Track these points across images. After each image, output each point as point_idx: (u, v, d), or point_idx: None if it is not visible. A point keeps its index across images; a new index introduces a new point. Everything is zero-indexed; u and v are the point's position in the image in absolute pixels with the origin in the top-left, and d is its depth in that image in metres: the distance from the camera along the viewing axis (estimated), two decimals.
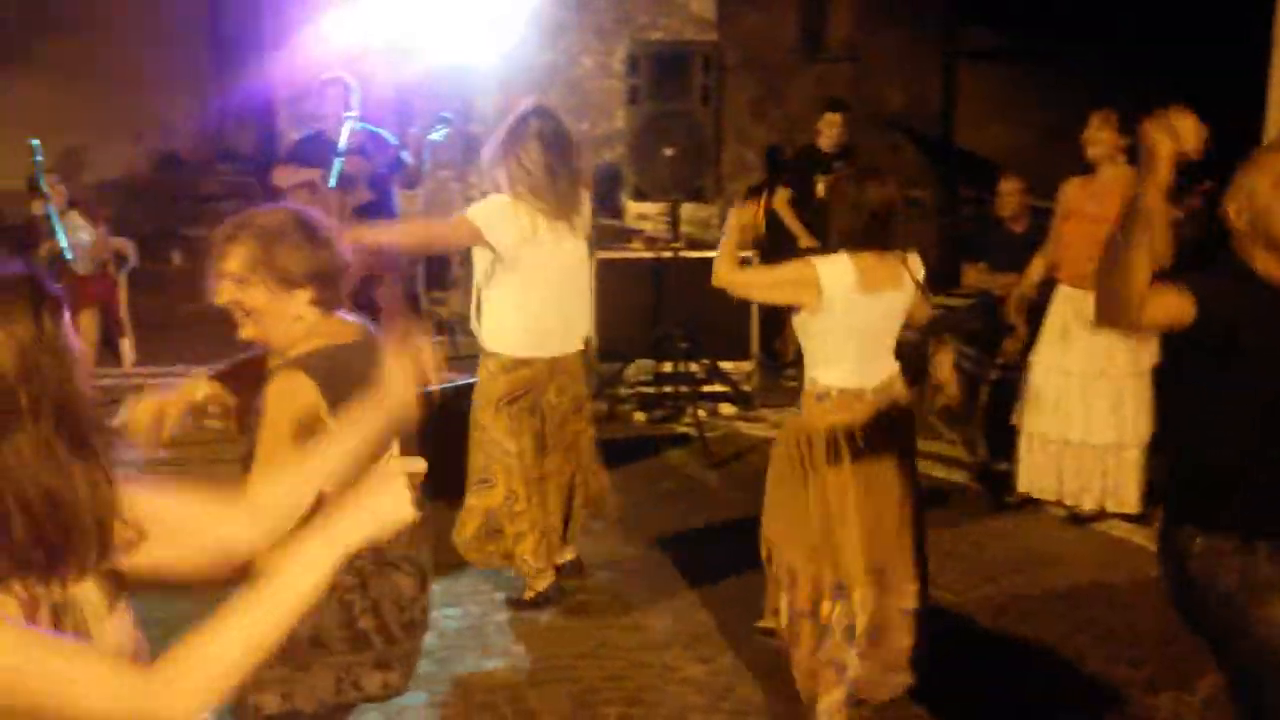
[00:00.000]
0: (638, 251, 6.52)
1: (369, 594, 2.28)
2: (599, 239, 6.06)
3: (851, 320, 3.16)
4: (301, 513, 1.71)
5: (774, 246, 6.21)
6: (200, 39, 9.96)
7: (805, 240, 6.42)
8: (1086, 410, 4.72)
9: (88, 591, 1.37)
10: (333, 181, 5.82)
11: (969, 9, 8.43)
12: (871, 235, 3.15)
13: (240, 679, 1.34)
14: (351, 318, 2.35)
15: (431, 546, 2.51)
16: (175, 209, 9.79)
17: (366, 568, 2.27)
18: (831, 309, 3.13)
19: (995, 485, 5.15)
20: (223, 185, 9.73)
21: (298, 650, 2.21)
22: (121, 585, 1.43)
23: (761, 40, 8.63)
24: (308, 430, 2.11)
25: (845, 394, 3.18)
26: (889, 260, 3.19)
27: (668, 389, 6.23)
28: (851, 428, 3.15)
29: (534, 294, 3.85)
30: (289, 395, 2.18)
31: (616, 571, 4.37)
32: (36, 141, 6.26)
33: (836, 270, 3.14)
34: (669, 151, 5.81)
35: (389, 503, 1.46)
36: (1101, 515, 4.81)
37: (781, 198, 6.70)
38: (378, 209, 6.11)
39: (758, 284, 3.61)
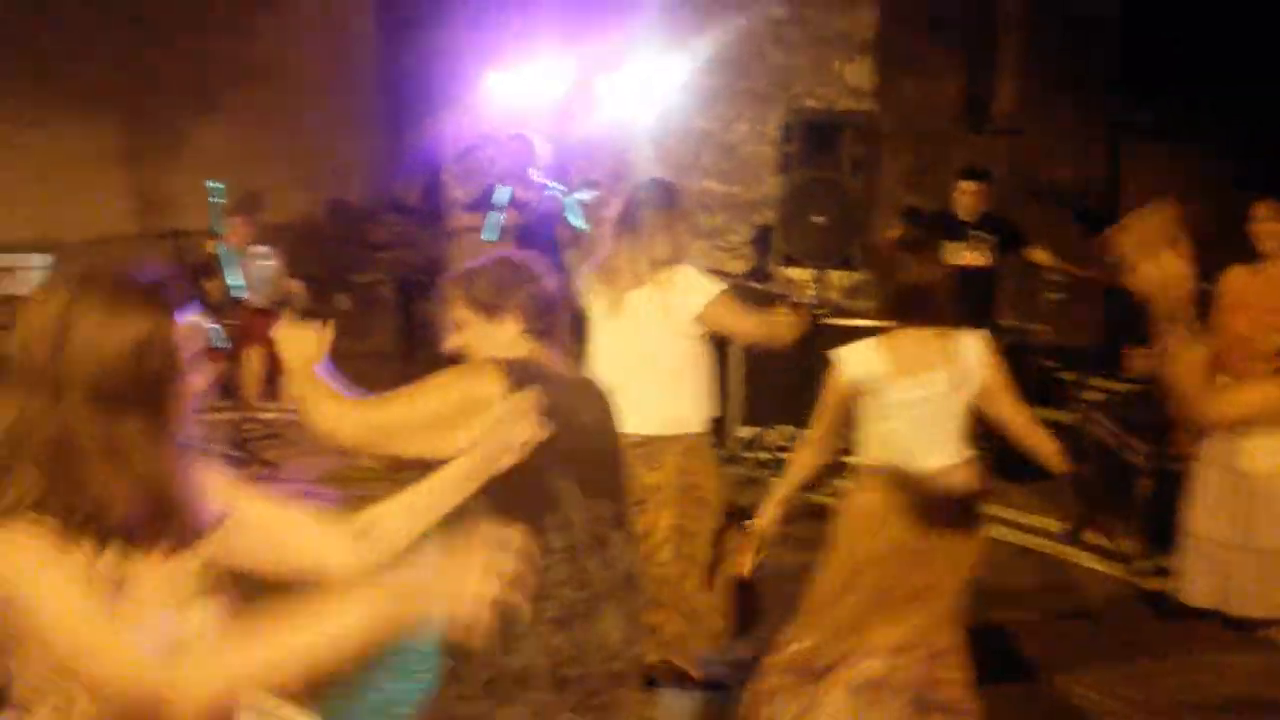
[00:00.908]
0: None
1: (576, 638, 2.28)
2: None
3: (889, 402, 3.05)
4: (399, 551, 1.77)
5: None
6: (375, 91, 10.48)
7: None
8: (1258, 512, 4.43)
9: (164, 577, 1.47)
10: (491, 234, 6.02)
11: (1138, 84, 8.19)
12: (911, 310, 3.04)
13: (244, 694, 1.44)
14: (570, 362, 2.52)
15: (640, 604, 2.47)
16: (344, 254, 10.27)
17: (577, 609, 2.28)
18: (866, 394, 3.06)
19: (1153, 589, 4.87)
20: (390, 233, 10.16)
21: (503, 684, 2.22)
22: (215, 584, 1.55)
23: (921, 110, 8.56)
24: (466, 415, 2.19)
25: (892, 474, 3.04)
26: (934, 338, 3.06)
27: None
28: (897, 510, 3.01)
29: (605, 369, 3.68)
30: (473, 373, 2.31)
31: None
32: (215, 184, 6.65)
33: (859, 358, 3.07)
34: (819, 219, 5.81)
35: (458, 589, 1.46)
36: (1267, 624, 4.50)
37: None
38: None
39: (818, 425, 3.29)
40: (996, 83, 8.97)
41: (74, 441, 1.42)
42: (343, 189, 10.52)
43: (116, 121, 9.06)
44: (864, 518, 3.08)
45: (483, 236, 6.07)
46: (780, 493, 3.24)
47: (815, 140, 5.89)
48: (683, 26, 7.78)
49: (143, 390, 1.47)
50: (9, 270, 6.29)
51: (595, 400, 2.46)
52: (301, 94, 9.97)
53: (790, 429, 6.21)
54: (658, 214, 3.62)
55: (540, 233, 6.37)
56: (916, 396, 3.05)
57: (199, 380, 1.56)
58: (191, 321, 1.56)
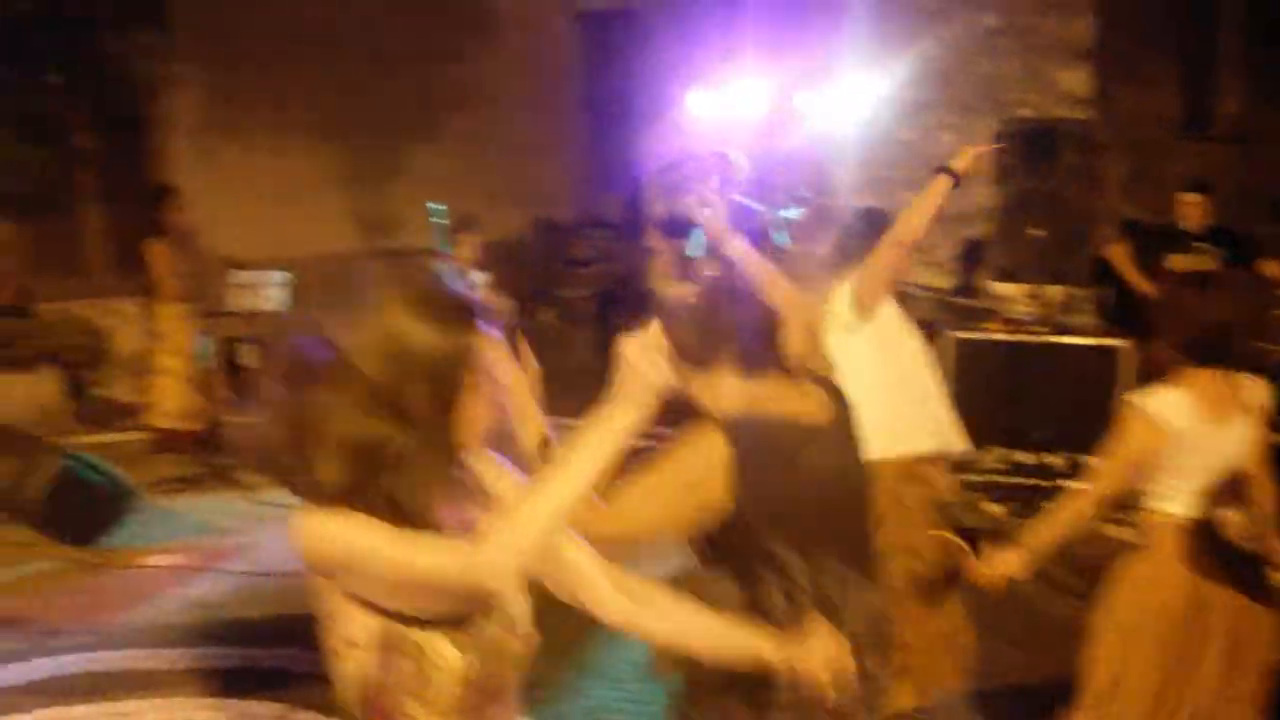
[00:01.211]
0: (996, 333, 6.34)
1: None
2: (956, 318, 5.97)
3: (1200, 451, 2.80)
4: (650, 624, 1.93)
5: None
6: (579, 112, 10.82)
7: (1142, 285, 6.18)
8: None
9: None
10: (694, 250, 6.11)
11: None
12: (1213, 352, 2.80)
13: (545, 539, 1.61)
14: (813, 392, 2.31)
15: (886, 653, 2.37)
16: (549, 271, 10.64)
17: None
18: (1181, 443, 2.79)
19: None
20: (593, 249, 10.46)
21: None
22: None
23: (1140, 118, 8.18)
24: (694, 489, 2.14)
25: (1195, 530, 2.80)
26: (1231, 382, 2.82)
27: (1024, 480, 5.98)
28: (1204, 571, 2.79)
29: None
30: (696, 443, 2.17)
31: None
32: (436, 205, 6.98)
33: (1168, 404, 2.80)
34: (1036, 232, 5.64)
35: (650, 376, 1.66)
36: None
37: (1120, 251, 6.42)
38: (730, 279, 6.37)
39: (1107, 478, 2.97)
40: (1218, 90, 8.50)
41: (377, 445, 1.58)
42: (548, 207, 10.89)
43: (344, 148, 9.68)
44: (1158, 579, 2.86)
45: (686, 253, 6.16)
46: (1042, 539, 2.94)
47: (1031, 150, 5.72)
48: (888, 38, 7.70)
49: (445, 400, 1.63)
50: (252, 287, 6.79)
51: (827, 445, 2.26)
52: (511, 117, 10.39)
53: (1001, 451, 6.04)
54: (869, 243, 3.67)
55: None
56: (1219, 446, 2.83)
57: (493, 392, 1.70)
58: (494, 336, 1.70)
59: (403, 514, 1.59)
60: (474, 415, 1.68)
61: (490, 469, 1.81)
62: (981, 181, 7.53)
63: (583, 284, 10.11)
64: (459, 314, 1.66)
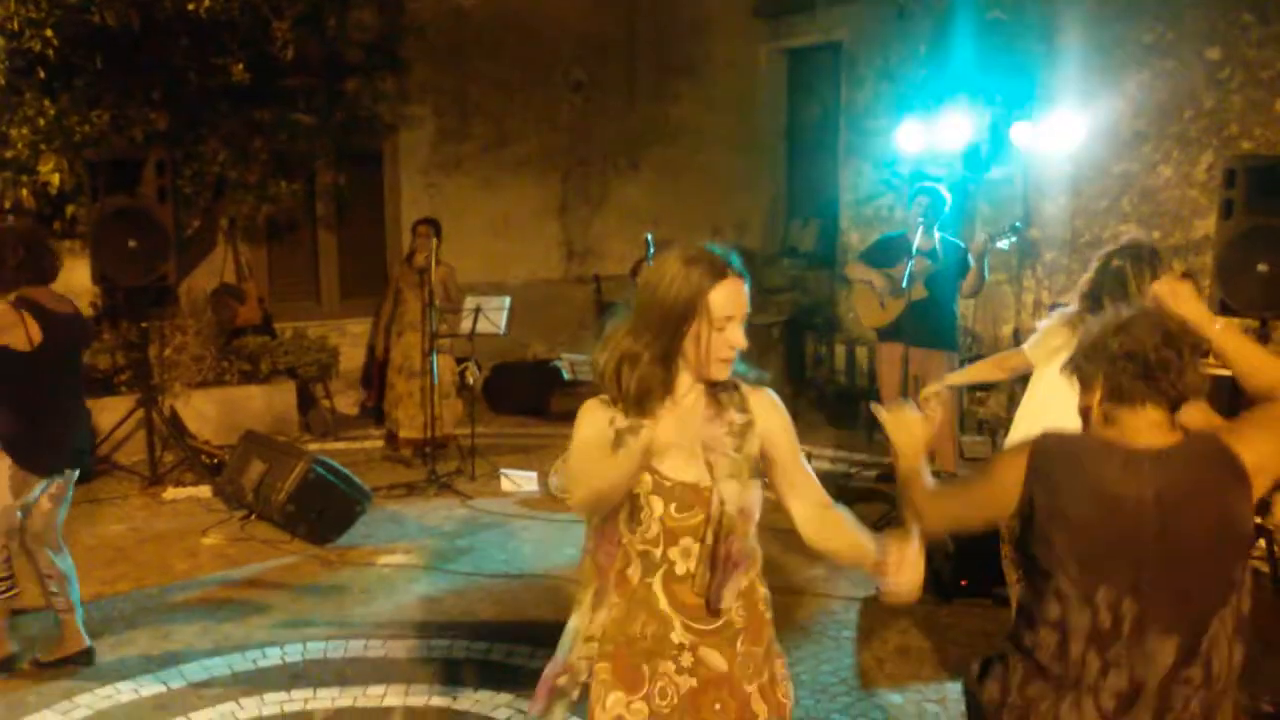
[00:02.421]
0: (1217, 368, 6.10)
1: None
2: None
3: None
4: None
5: None
6: (776, 145, 10.98)
7: None
8: None
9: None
10: (905, 282, 6.17)
11: None
12: None
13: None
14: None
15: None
16: None
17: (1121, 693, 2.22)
18: None
19: None
20: (783, 278, 10.58)
21: None
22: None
23: None
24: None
25: None
26: None
27: None
28: None
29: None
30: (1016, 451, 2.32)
31: None
32: (650, 236, 7.26)
33: None
34: (1263, 267, 5.46)
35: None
36: None
37: None
38: (933, 308, 6.38)
39: None
40: None
41: (631, 355, 2.27)
42: (743, 236, 11.08)
43: (553, 180, 10.16)
44: None
45: (902, 285, 6.22)
46: None
47: (1259, 185, 5.54)
48: (1103, 70, 7.58)
49: (672, 326, 2.25)
50: (479, 310, 7.21)
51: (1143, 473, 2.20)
52: (711, 149, 10.66)
53: None
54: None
55: (947, 281, 6.42)
56: None
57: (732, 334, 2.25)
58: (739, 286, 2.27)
59: (629, 400, 2.25)
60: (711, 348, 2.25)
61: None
62: (1197, 214, 7.31)
63: (774, 311, 10.22)
64: (705, 265, 2.24)
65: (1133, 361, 2.19)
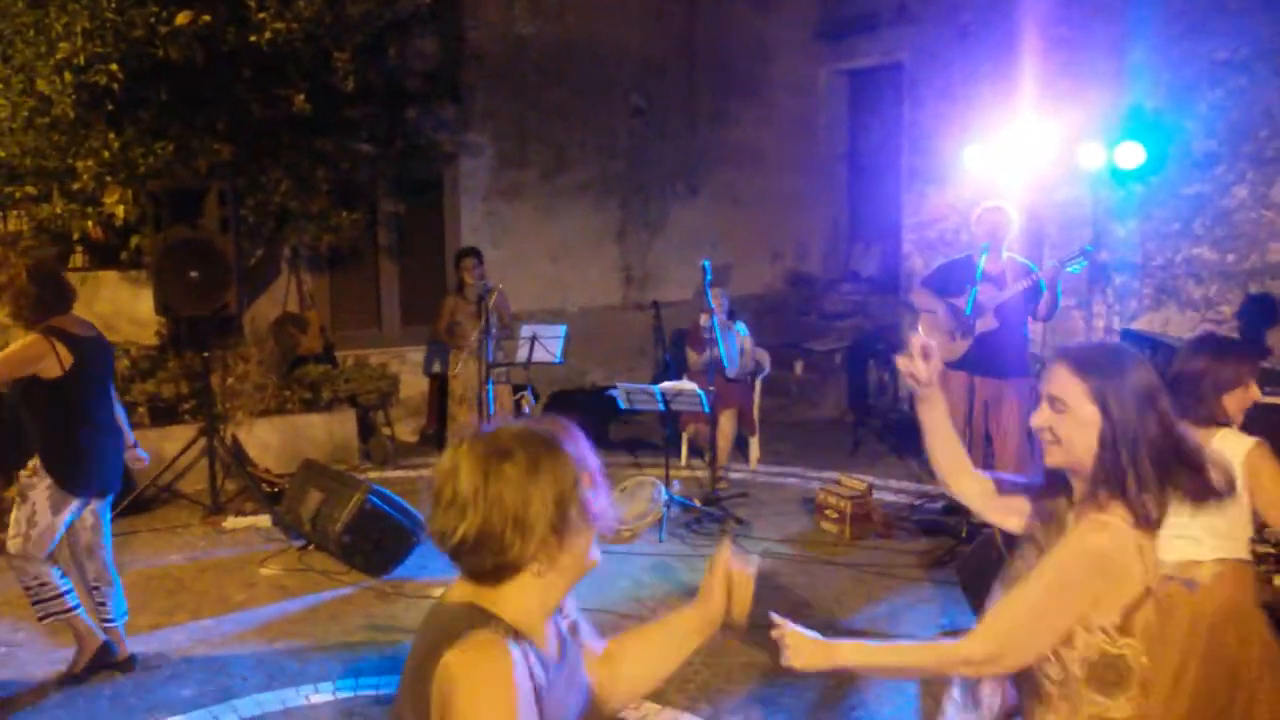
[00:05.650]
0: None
1: None
2: None
3: None
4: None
5: None
6: (837, 167, 10.85)
7: None
8: None
9: None
10: (969, 309, 6.01)
11: None
12: None
13: None
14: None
15: None
16: (800, 323, 10.68)
17: None
18: None
19: None
20: (845, 303, 10.43)
21: None
22: None
23: None
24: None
25: None
26: None
27: None
28: None
29: None
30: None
31: None
32: (708, 262, 7.17)
33: None
34: None
35: None
36: None
37: None
38: (1005, 336, 6.21)
39: None
40: None
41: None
42: (803, 261, 10.95)
43: (612, 205, 10.14)
44: None
45: (965, 311, 6.07)
46: None
47: None
48: (1175, 89, 7.36)
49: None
50: (535, 339, 7.19)
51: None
52: (770, 174, 10.57)
53: None
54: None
55: (1016, 309, 6.25)
56: None
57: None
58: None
59: None
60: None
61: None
62: (1269, 237, 7.04)
63: (835, 337, 10.07)
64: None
65: None
